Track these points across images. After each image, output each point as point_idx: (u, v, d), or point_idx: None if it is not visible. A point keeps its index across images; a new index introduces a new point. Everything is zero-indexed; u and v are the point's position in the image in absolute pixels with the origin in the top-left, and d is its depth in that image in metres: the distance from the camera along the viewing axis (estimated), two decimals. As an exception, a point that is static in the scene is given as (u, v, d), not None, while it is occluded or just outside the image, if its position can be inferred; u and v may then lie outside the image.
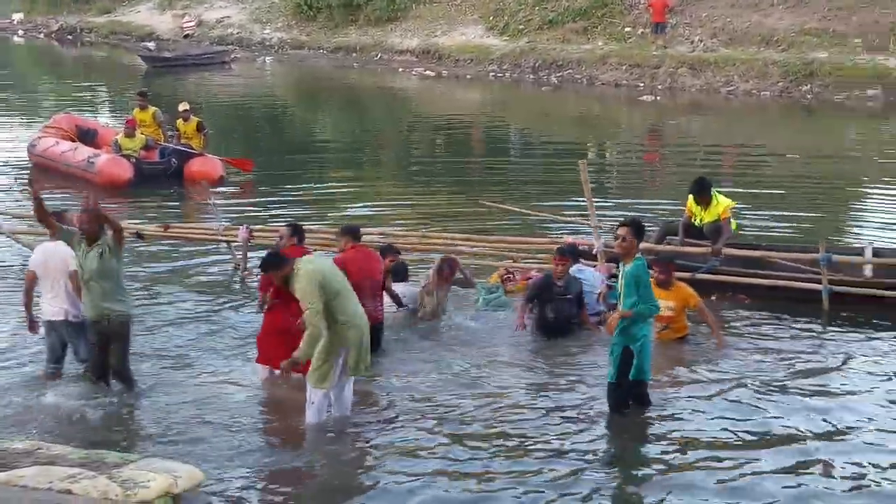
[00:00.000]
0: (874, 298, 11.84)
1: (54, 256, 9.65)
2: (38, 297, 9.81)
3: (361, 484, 7.78)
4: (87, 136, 21.32)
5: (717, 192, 12.97)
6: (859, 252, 12.98)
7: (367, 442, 8.47)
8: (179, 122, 20.17)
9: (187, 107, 20.37)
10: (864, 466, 7.97)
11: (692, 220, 12.99)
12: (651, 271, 9.80)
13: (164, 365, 10.20)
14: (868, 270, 12.45)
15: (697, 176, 13.57)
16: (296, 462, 8.13)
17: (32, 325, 9.84)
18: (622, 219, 9.67)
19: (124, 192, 18.35)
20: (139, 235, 13.06)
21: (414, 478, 7.75)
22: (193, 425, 8.79)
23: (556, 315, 11.04)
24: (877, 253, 12.80)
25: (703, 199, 12.81)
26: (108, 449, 7.73)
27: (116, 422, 8.93)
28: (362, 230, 11.19)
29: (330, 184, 20.35)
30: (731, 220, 12.82)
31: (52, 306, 9.63)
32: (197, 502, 7.24)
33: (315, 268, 8.53)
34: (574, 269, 11.57)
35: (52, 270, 9.61)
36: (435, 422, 8.80)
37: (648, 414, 8.90)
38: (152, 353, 10.41)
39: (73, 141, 20.70)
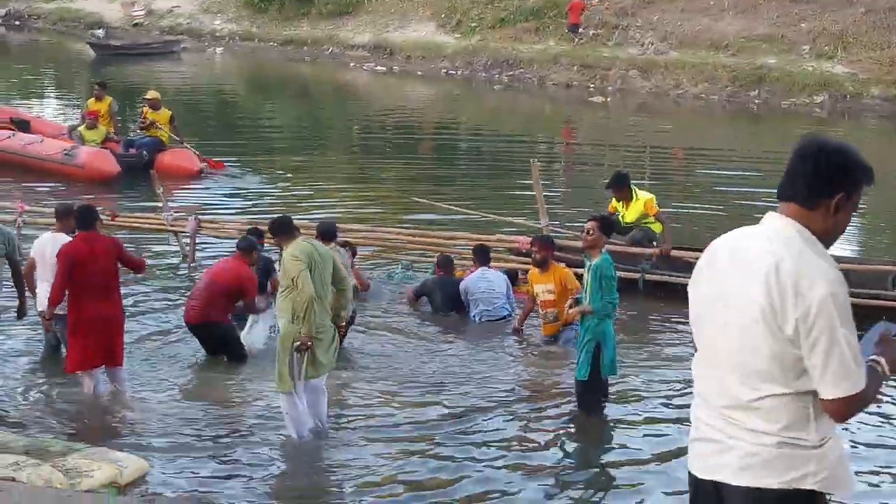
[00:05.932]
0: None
1: (52, 247, 9.43)
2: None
3: (311, 479, 7.71)
4: (20, 128, 19.97)
5: (636, 185, 12.86)
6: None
7: (325, 440, 8.22)
8: (148, 111, 19.09)
9: (157, 95, 19.41)
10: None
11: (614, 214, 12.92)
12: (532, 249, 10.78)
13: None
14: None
15: (615, 171, 13.35)
16: (246, 455, 7.99)
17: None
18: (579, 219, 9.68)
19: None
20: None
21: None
22: (140, 417, 8.72)
23: None
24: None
25: (622, 195, 12.66)
26: (54, 437, 7.65)
27: (64, 411, 8.83)
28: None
29: (280, 176, 20.21)
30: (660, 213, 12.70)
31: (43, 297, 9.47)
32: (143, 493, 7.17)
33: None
34: (478, 273, 11.63)
35: (48, 261, 9.46)
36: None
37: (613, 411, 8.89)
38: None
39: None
